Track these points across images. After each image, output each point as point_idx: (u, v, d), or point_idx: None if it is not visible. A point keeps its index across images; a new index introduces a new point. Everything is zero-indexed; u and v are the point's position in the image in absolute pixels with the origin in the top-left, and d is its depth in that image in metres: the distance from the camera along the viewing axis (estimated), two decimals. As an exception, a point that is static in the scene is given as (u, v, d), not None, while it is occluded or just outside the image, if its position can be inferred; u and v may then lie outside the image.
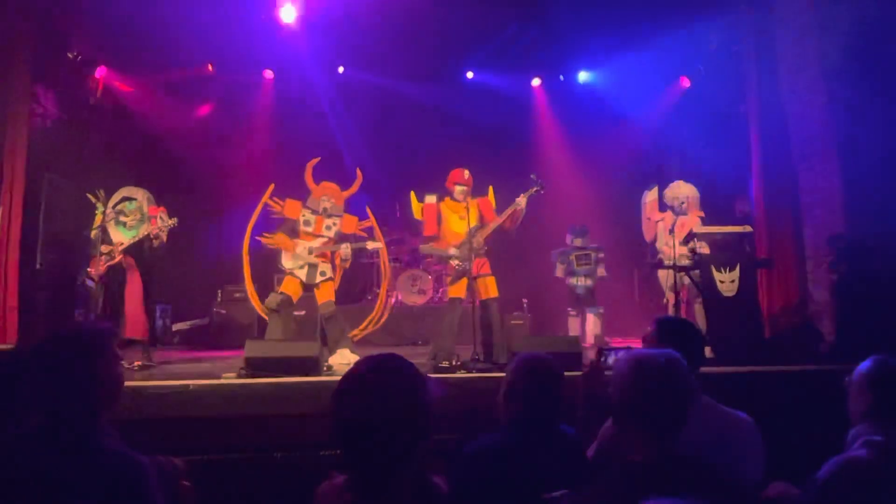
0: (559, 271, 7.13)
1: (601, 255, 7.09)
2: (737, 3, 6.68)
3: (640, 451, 1.47)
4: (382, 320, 6.27)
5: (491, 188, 5.45)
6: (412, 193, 5.37)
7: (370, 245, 5.52)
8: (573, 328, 7.09)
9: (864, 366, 1.82)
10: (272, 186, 5.63)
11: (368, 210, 5.92)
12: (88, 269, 5.14)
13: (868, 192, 5.13)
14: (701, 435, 1.75)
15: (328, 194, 5.50)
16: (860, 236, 5.20)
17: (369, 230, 5.80)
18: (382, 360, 1.33)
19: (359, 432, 1.24)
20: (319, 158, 5.72)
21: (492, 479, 1.79)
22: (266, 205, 5.55)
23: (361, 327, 6.12)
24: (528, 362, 2.03)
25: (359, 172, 5.80)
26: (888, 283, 4.81)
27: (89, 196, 5.27)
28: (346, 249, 5.32)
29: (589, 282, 7.02)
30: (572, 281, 7.08)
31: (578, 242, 7.08)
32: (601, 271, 7.07)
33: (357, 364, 1.34)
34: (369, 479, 1.26)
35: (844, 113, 5.35)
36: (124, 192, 5.37)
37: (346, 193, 5.63)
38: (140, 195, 5.38)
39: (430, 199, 5.29)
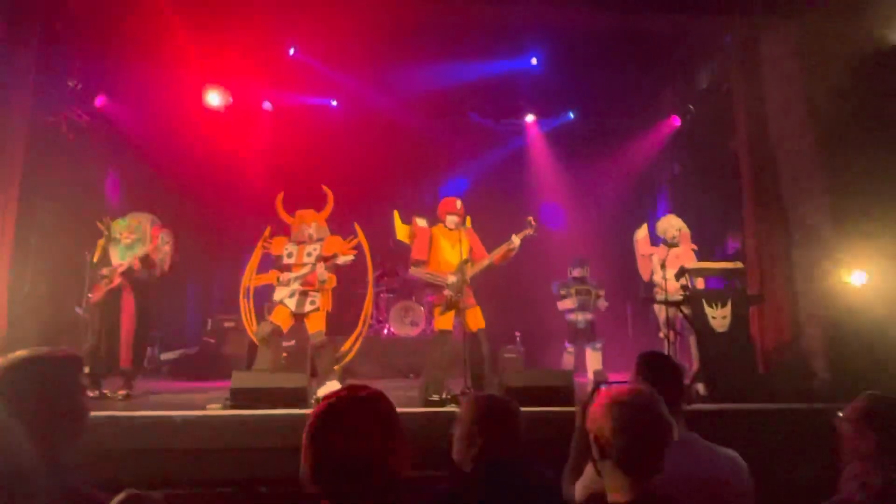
0: (564, 303, 7.09)
1: (601, 292, 7.09)
2: (725, 47, 6.87)
3: (619, 492, 1.44)
4: (359, 342, 6.13)
5: (469, 219, 5.44)
6: (396, 213, 5.34)
7: (340, 260, 5.31)
8: (567, 363, 7.03)
9: (860, 404, 1.79)
10: (268, 230, 5.65)
11: (356, 226, 5.87)
12: (89, 295, 5.08)
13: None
14: (687, 472, 1.71)
15: (306, 221, 5.50)
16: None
17: (358, 247, 5.74)
18: (359, 396, 1.29)
19: (338, 469, 1.21)
20: (283, 193, 5.74)
21: None
22: (263, 248, 5.59)
23: (345, 348, 6.00)
24: (481, 402, 2.00)
25: (326, 189, 5.73)
26: (880, 321, 4.81)
27: (99, 224, 5.26)
28: (320, 271, 5.22)
29: (589, 316, 7.00)
30: (572, 316, 7.05)
31: (578, 273, 7.09)
32: (602, 303, 7.06)
33: (332, 401, 1.28)
34: None
35: (832, 154, 5.44)
36: (129, 217, 5.37)
37: (324, 215, 5.62)
38: (144, 218, 5.37)
39: (421, 221, 5.25)
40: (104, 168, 7.57)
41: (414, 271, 5.31)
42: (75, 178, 6.87)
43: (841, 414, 1.84)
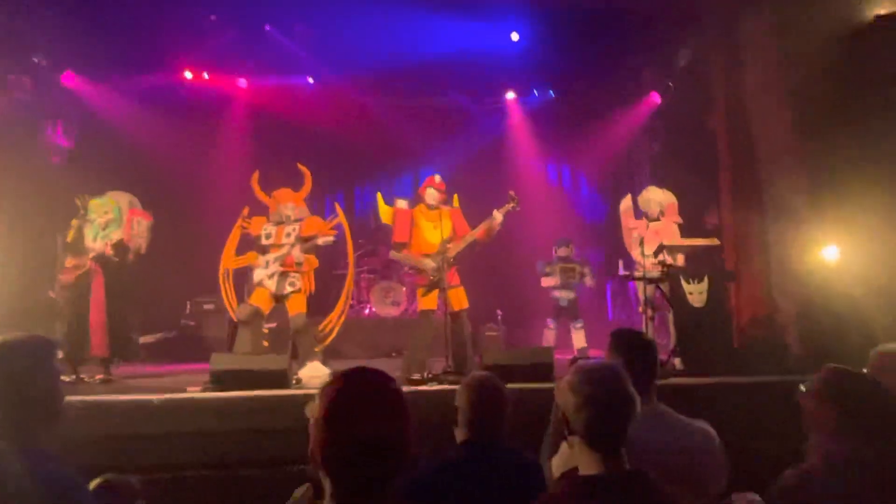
0: (547, 280, 7.14)
1: (587, 268, 7.15)
2: (705, 25, 6.86)
3: (589, 467, 1.46)
4: (342, 319, 6.12)
5: (456, 196, 5.43)
6: (379, 195, 5.30)
7: (320, 240, 5.26)
8: (548, 340, 7.11)
9: (820, 377, 1.83)
10: (246, 210, 5.56)
11: (337, 206, 5.82)
12: (60, 277, 4.97)
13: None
14: (659, 445, 1.75)
15: (284, 201, 5.42)
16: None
17: (338, 227, 5.67)
18: (372, 377, 1.29)
19: (354, 450, 1.19)
20: (258, 171, 5.65)
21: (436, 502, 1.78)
22: (242, 227, 5.50)
23: (326, 328, 5.98)
24: (473, 384, 2.06)
25: (302, 167, 5.64)
26: (852, 297, 4.93)
27: (77, 201, 5.11)
28: (296, 253, 5.18)
29: (572, 294, 7.08)
30: (556, 293, 7.12)
31: (563, 253, 7.15)
32: (589, 280, 7.13)
33: (346, 382, 1.26)
34: (357, 495, 1.21)
35: (809, 132, 5.49)
36: (106, 196, 5.23)
37: (302, 194, 5.53)
38: (123, 198, 5.24)
39: (402, 203, 5.21)
40: (78, 151, 7.35)
41: (394, 255, 5.31)
42: (43, 158, 6.68)
43: (803, 388, 1.88)
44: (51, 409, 1.53)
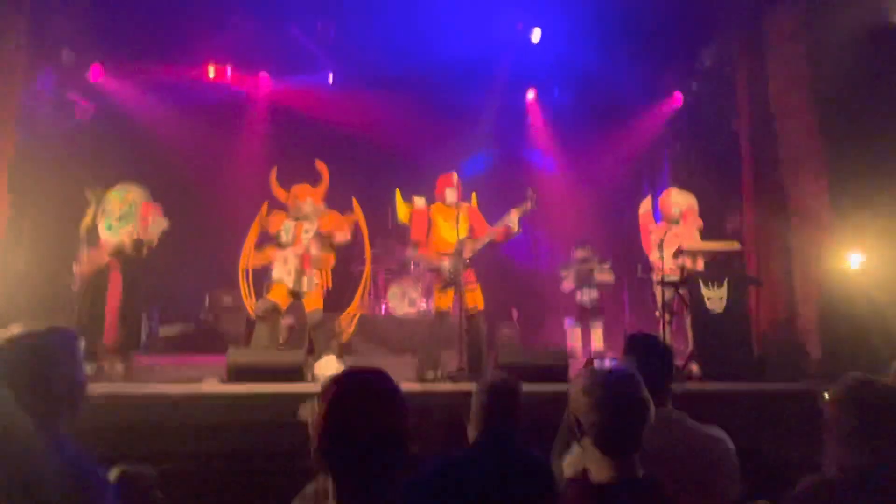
0: (565, 286, 7.14)
1: (605, 265, 7.12)
2: (729, 26, 6.77)
3: (601, 472, 1.44)
4: (358, 316, 6.15)
5: (474, 194, 5.39)
6: (398, 192, 5.26)
7: (337, 237, 5.26)
8: (573, 339, 7.07)
9: (841, 386, 1.80)
10: (265, 206, 5.61)
11: (355, 203, 5.82)
12: (73, 269, 5.05)
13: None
14: (672, 452, 1.73)
15: (302, 197, 5.45)
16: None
17: (356, 224, 5.66)
18: (370, 376, 1.33)
19: (355, 445, 1.23)
20: (276, 168, 5.68)
21: (443, 500, 1.78)
22: (260, 224, 5.55)
23: (342, 325, 6.03)
24: (489, 383, 2.07)
25: (320, 164, 5.63)
26: (874, 304, 4.83)
27: (88, 192, 5.20)
28: (314, 250, 5.19)
29: (595, 293, 7.05)
30: (578, 296, 7.10)
31: (581, 254, 7.13)
32: (604, 276, 7.09)
33: (342, 381, 1.31)
34: (358, 492, 1.25)
35: (832, 136, 5.39)
36: (120, 188, 5.31)
37: (320, 190, 5.51)
38: (135, 192, 5.32)
39: (420, 201, 5.17)
40: (99, 143, 7.48)
41: (411, 254, 5.29)
42: (71, 152, 6.80)
43: (826, 395, 1.84)
44: (73, 400, 1.55)
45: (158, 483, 1.86)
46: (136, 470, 1.78)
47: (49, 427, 1.45)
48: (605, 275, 7.09)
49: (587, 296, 7.05)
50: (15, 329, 1.54)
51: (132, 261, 5.11)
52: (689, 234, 5.70)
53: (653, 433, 1.46)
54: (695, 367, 4.98)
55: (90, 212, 5.13)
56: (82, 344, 1.63)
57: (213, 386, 3.98)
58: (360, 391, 1.29)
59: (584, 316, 7.07)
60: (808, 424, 2.17)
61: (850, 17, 5.08)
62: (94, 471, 1.46)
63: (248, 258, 5.71)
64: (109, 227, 5.11)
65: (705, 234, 5.81)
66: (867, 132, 4.99)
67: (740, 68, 6.54)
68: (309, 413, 1.29)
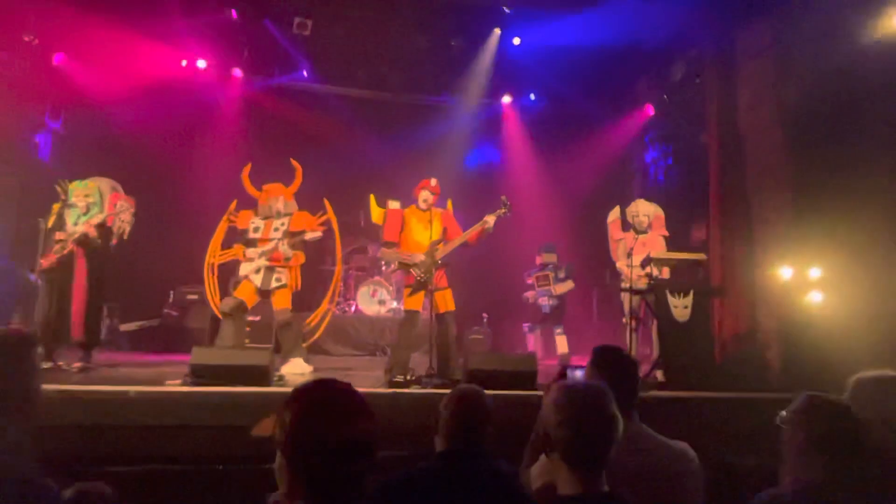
0: (528, 293, 7.24)
1: (562, 273, 7.22)
2: (699, 39, 6.92)
3: (567, 486, 1.45)
4: (328, 316, 6.13)
5: (450, 201, 5.42)
6: (371, 196, 5.28)
7: (308, 236, 5.27)
8: (531, 344, 7.16)
9: (797, 403, 1.85)
10: (234, 203, 5.54)
11: (326, 202, 5.79)
12: (41, 261, 4.87)
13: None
14: (637, 467, 1.75)
15: (274, 195, 5.40)
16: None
17: (327, 223, 5.65)
18: (335, 385, 1.34)
19: (328, 454, 1.23)
20: (250, 165, 5.63)
21: None
22: (229, 221, 5.48)
23: (311, 324, 5.99)
24: (457, 395, 2.06)
25: (295, 163, 5.64)
26: (833, 316, 4.98)
27: (57, 187, 5.03)
28: (283, 248, 5.15)
29: (555, 300, 7.13)
30: (539, 301, 7.18)
31: (545, 259, 7.21)
32: (570, 283, 7.19)
33: (313, 390, 1.32)
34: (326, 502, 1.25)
35: (797, 151, 5.56)
36: (82, 181, 5.16)
37: (292, 189, 5.53)
38: (104, 183, 5.17)
39: (395, 204, 5.24)
40: (67, 132, 7.25)
41: (383, 252, 5.28)
42: (24, 142, 6.57)
43: (783, 413, 1.90)
44: (24, 406, 1.49)
45: (116, 499, 1.79)
46: (93, 486, 1.70)
47: None
48: (561, 285, 7.19)
49: (546, 301, 7.14)
50: None
51: (98, 252, 4.94)
52: (655, 243, 5.82)
53: (619, 449, 1.48)
54: (659, 374, 5.07)
55: (56, 206, 4.97)
56: (39, 349, 1.55)
57: (175, 387, 3.88)
58: (328, 398, 1.30)
59: (544, 320, 7.16)
60: (769, 434, 2.23)
61: (819, 33, 5.24)
62: (44, 486, 1.39)
63: (215, 255, 5.62)
64: (76, 221, 4.96)
65: (671, 244, 5.93)
66: (832, 147, 5.15)
67: (710, 82, 6.70)
68: (267, 429, 1.29)
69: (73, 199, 4.99)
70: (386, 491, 1.83)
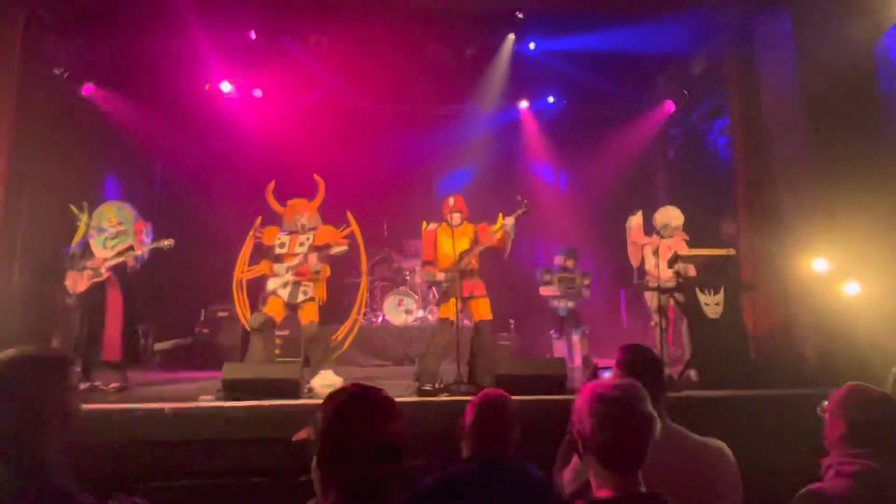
0: (546, 289, 7.12)
1: (587, 280, 7.10)
2: (720, 31, 6.82)
3: (603, 487, 1.43)
4: (356, 328, 6.17)
5: (501, 215, 5.45)
6: (424, 223, 5.44)
7: (334, 250, 5.37)
8: (558, 351, 7.07)
9: (837, 393, 1.81)
10: (259, 220, 5.64)
11: (350, 215, 5.86)
12: (66, 283, 5.02)
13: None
14: (673, 467, 1.71)
15: (298, 211, 5.48)
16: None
17: (351, 236, 5.71)
18: (366, 389, 1.38)
19: (355, 455, 1.27)
20: (273, 182, 5.72)
21: None
22: (255, 237, 5.58)
23: (339, 336, 6.04)
24: (484, 400, 2.05)
25: (318, 178, 5.73)
26: (869, 308, 4.83)
27: (72, 208, 5.19)
28: (312, 261, 5.24)
29: (570, 304, 7.03)
30: (554, 303, 7.09)
31: (567, 263, 7.11)
32: (586, 293, 7.08)
33: (345, 395, 1.35)
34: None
35: (824, 141, 5.42)
36: (109, 205, 5.31)
37: (315, 203, 5.60)
38: (128, 209, 5.32)
39: (431, 226, 5.36)
40: (94, 159, 7.46)
41: (420, 275, 5.33)
42: (65, 169, 6.78)
43: (824, 404, 1.85)
44: (63, 426, 1.52)
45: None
46: (130, 502, 1.73)
47: (33, 453, 1.42)
48: (585, 292, 7.06)
49: (563, 304, 7.04)
50: (6, 352, 1.51)
51: (131, 276, 5.10)
52: (679, 245, 5.74)
53: (652, 448, 1.45)
54: (692, 374, 4.97)
55: (81, 227, 5.12)
56: (77, 369, 1.59)
57: (208, 402, 3.94)
58: (360, 402, 1.34)
59: (564, 324, 7.07)
60: (808, 430, 2.17)
61: (842, 22, 5.12)
62: (67, 495, 1.40)
63: (243, 270, 5.72)
64: (103, 244, 5.10)
65: (699, 241, 5.82)
66: (859, 139, 5.02)
67: (731, 75, 6.59)
68: (304, 434, 1.33)
69: (102, 223, 5.14)
70: (418, 495, 1.83)
